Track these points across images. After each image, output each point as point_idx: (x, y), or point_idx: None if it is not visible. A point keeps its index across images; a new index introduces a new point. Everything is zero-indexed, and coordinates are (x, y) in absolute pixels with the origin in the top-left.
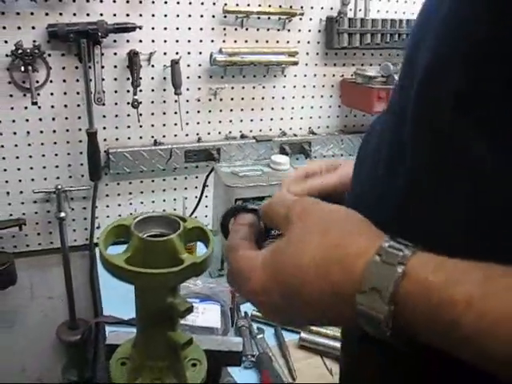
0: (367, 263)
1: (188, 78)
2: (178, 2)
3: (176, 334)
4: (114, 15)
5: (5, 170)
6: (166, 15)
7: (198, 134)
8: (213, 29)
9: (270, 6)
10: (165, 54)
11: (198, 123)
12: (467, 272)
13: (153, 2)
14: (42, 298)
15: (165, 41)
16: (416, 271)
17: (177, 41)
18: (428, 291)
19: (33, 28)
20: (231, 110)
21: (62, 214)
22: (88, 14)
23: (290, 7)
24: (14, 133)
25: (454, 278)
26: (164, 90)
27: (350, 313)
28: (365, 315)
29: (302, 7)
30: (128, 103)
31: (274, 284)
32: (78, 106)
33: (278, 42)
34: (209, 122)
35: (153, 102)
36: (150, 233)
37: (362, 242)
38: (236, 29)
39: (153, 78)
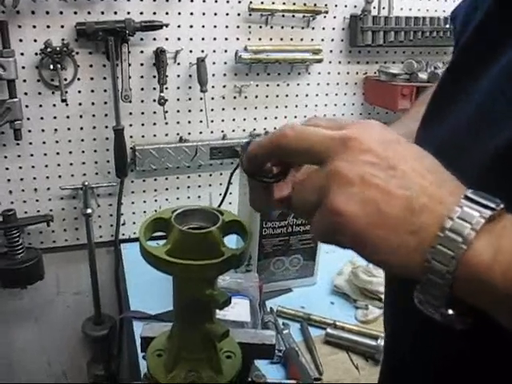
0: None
1: (213, 75)
2: (204, 0)
3: (213, 326)
4: (141, 13)
5: (33, 166)
6: (191, 13)
7: (222, 132)
8: (238, 27)
9: (294, 3)
10: (191, 51)
11: (223, 120)
12: None
13: (179, 1)
14: (67, 293)
15: (191, 39)
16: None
17: (202, 39)
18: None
19: (62, 27)
20: (255, 108)
21: (89, 211)
22: (115, 13)
23: (315, 5)
24: (42, 130)
25: None
26: (189, 87)
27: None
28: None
29: (326, 5)
30: (154, 101)
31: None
32: (105, 103)
33: (302, 39)
34: (233, 120)
35: (178, 100)
36: (189, 225)
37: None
38: (261, 26)
39: (179, 76)
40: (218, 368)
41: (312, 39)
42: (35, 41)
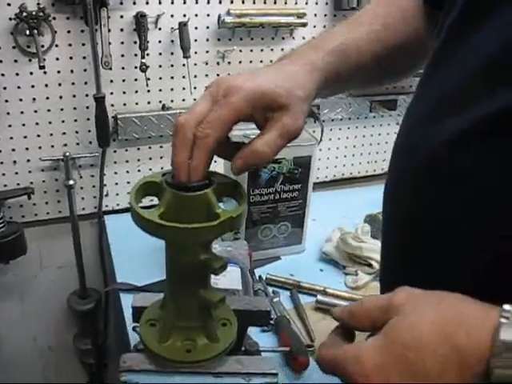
0: (494, 325)
1: (195, 40)
2: None
3: (208, 293)
4: None
5: (11, 138)
6: None
7: None
8: None
9: None
10: (172, 16)
11: (207, 87)
12: None
13: None
14: (51, 267)
15: (172, 2)
16: None
17: (184, 2)
18: None
19: None
20: (240, 73)
21: (71, 182)
22: None
23: None
24: (20, 99)
25: None
26: (172, 53)
27: (480, 378)
28: (502, 377)
29: None
30: (135, 67)
31: (390, 360)
32: (85, 70)
33: (286, 3)
34: None
35: (160, 66)
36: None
37: (479, 308)
38: None
39: (160, 42)
40: (214, 336)
41: (296, 2)
42: (9, 5)
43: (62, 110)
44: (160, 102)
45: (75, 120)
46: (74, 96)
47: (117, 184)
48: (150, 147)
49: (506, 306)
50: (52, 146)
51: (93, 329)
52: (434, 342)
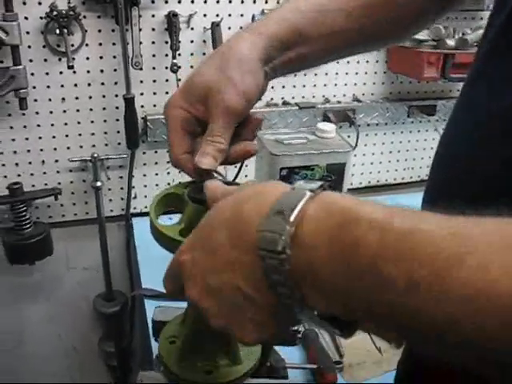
0: (278, 195)
1: None
2: None
3: None
4: None
5: (40, 137)
6: None
7: None
8: None
9: None
10: (204, 15)
11: None
12: (379, 204)
13: None
14: (77, 269)
15: (205, 1)
16: (325, 196)
17: (217, 2)
18: (332, 211)
19: None
20: None
21: (99, 184)
22: None
23: None
24: (49, 99)
25: (362, 203)
26: (203, 53)
27: (253, 244)
28: (264, 240)
29: None
30: (166, 68)
31: (196, 240)
32: (115, 70)
33: None
34: None
35: (192, 67)
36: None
37: (279, 186)
38: None
39: (192, 42)
40: (237, 357)
41: None
42: (40, 4)
43: (91, 110)
44: None
45: (104, 121)
46: (104, 96)
47: (145, 186)
48: None
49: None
50: (81, 147)
51: (117, 332)
52: (224, 212)
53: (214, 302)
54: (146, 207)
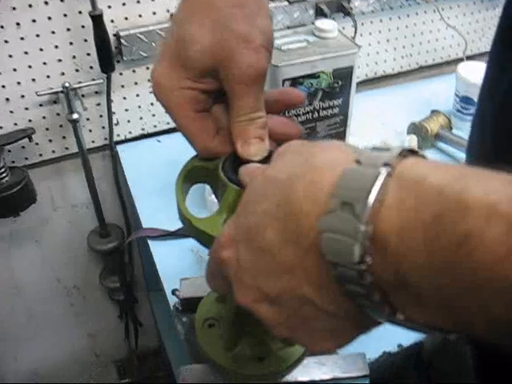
0: (339, 173)
1: None
2: None
3: None
4: None
5: None
6: None
7: None
8: None
9: None
10: None
11: None
12: (488, 175)
13: None
14: (65, 208)
15: None
16: (408, 170)
17: None
18: (423, 195)
19: None
20: None
21: (75, 116)
22: None
23: None
24: (1, 26)
25: (466, 175)
26: None
27: (313, 243)
28: (331, 245)
29: None
30: None
31: (239, 230)
32: None
33: None
34: None
35: None
36: None
37: (338, 153)
38: None
39: None
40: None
41: None
42: None
43: (53, 33)
44: (168, 11)
45: (70, 43)
46: (66, 15)
47: (127, 110)
48: None
49: (367, 150)
50: (48, 77)
51: (119, 266)
52: (267, 195)
53: (273, 310)
54: (130, 133)
